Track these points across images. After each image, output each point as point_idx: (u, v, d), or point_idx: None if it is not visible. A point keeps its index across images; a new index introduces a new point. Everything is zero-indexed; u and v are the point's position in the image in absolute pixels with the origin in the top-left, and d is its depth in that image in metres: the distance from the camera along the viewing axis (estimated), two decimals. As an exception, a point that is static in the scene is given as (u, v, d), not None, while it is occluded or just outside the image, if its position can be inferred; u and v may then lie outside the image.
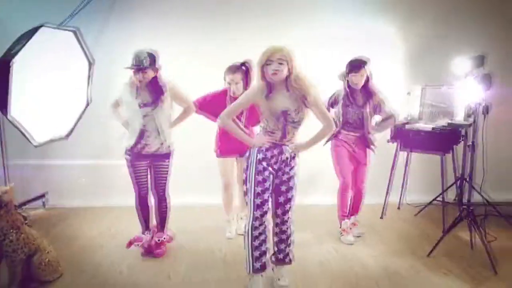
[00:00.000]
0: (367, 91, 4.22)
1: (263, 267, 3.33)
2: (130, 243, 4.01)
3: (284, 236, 3.42)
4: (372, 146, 4.36)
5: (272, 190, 3.33)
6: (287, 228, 3.40)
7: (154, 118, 3.80)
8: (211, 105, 4.20)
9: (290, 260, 3.49)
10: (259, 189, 3.22)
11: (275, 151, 3.24)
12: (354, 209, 4.54)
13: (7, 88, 4.06)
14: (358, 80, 4.15)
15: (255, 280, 3.34)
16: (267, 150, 3.23)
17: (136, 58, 3.65)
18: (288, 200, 3.35)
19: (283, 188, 3.33)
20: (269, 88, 3.15)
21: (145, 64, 3.64)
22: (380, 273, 3.70)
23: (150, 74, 3.71)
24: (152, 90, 3.78)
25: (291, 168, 3.33)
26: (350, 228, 4.45)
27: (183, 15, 5.44)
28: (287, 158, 3.27)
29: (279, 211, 3.37)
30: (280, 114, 3.14)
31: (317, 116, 3.28)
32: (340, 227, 4.45)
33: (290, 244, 3.45)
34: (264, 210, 3.24)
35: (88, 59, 5.00)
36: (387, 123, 4.40)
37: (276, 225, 3.42)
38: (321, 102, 3.29)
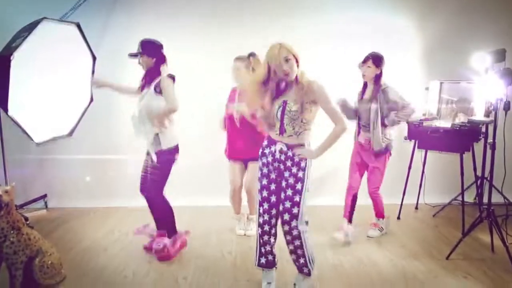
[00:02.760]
0: (377, 88, 4.22)
1: (268, 264, 3.34)
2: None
3: (291, 247, 3.20)
4: (374, 147, 4.26)
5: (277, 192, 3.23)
6: (292, 239, 3.15)
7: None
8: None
9: (309, 272, 3.25)
10: (259, 185, 3.28)
11: (272, 148, 3.20)
12: (375, 212, 4.54)
13: (7, 84, 3.97)
14: (365, 71, 4.23)
15: (264, 274, 3.39)
16: (266, 146, 3.26)
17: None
18: (294, 204, 3.10)
19: (289, 192, 3.14)
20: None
21: (138, 50, 3.83)
22: (397, 277, 3.60)
23: (146, 60, 3.83)
24: (147, 76, 3.88)
25: (298, 168, 3.13)
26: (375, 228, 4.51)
27: (187, 11, 5.36)
28: (282, 154, 3.16)
29: (285, 217, 3.13)
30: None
31: (328, 116, 3.13)
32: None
33: (301, 256, 3.21)
34: (264, 207, 3.22)
35: (93, 53, 4.88)
36: (401, 114, 4.22)
37: (283, 233, 3.20)
38: (327, 100, 3.08)
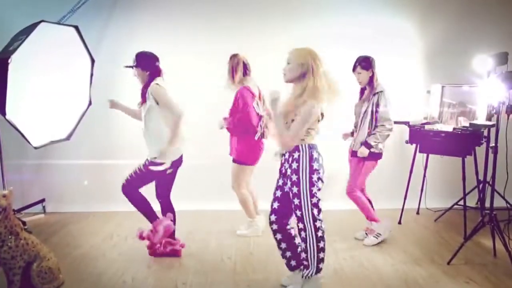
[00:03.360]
0: (371, 89, 4.23)
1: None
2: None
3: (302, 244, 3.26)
4: (354, 147, 4.29)
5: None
6: (299, 231, 3.22)
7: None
8: None
9: (308, 266, 3.24)
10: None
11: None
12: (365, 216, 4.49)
13: (5, 87, 3.94)
14: (357, 77, 4.25)
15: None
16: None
17: None
18: (296, 207, 3.13)
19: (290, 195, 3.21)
20: None
21: (133, 62, 3.84)
22: (398, 282, 3.57)
23: (140, 73, 3.83)
24: (142, 90, 3.84)
25: (292, 172, 3.13)
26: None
27: (186, 14, 5.35)
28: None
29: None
30: None
31: None
32: None
33: (303, 251, 3.24)
34: (273, 207, 3.28)
35: (91, 56, 4.85)
36: (379, 133, 4.17)
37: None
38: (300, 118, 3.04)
